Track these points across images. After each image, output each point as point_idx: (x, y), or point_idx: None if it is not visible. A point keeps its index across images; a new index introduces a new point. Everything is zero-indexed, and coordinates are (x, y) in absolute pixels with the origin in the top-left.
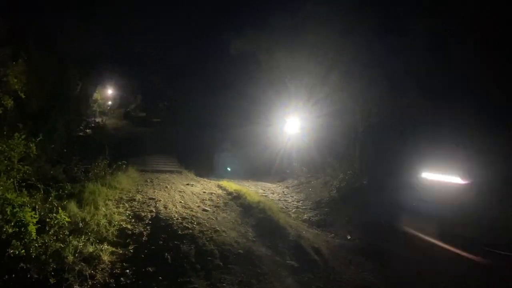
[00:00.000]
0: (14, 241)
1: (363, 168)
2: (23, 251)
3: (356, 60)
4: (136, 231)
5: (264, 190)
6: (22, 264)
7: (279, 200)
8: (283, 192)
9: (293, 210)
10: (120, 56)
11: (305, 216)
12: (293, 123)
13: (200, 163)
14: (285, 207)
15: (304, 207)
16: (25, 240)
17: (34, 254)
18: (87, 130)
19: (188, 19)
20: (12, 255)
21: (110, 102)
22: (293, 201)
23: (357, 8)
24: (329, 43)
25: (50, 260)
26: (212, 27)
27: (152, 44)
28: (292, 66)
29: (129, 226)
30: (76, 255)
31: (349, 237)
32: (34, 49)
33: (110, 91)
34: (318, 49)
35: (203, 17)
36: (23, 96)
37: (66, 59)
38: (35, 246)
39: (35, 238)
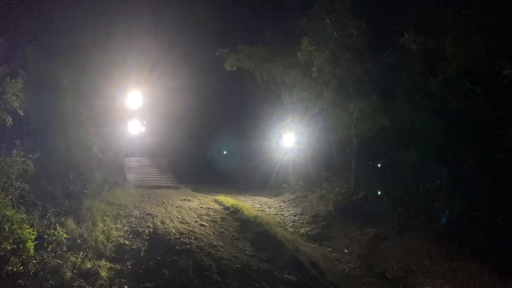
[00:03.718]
0: (12, 257)
1: (359, 181)
2: (22, 267)
3: (350, 76)
4: (134, 247)
5: (260, 205)
6: (20, 281)
7: (276, 214)
8: (280, 206)
9: (290, 224)
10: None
11: (302, 230)
12: (289, 138)
13: (196, 178)
14: (282, 221)
15: (301, 221)
16: (24, 256)
17: (32, 271)
18: None
19: (182, 35)
20: (10, 272)
21: None
22: (290, 215)
23: (350, 25)
24: (323, 59)
25: (49, 277)
26: (206, 43)
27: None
28: (288, 82)
29: (127, 242)
30: (75, 271)
31: (346, 251)
32: (33, 66)
33: None
34: (313, 65)
35: (197, 33)
36: (22, 114)
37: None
38: (34, 262)
39: (33, 254)
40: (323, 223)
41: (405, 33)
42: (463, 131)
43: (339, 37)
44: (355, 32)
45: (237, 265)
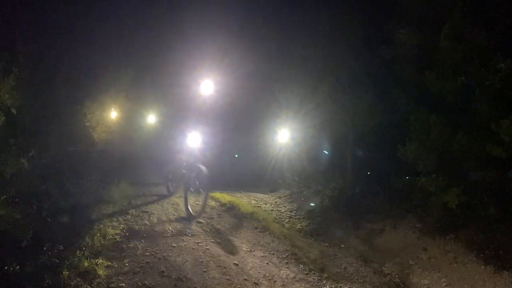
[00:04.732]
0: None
1: (355, 176)
2: (18, 267)
3: (344, 71)
4: (131, 245)
5: (256, 201)
6: (17, 281)
7: (272, 210)
8: (276, 202)
9: (287, 220)
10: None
11: (299, 226)
12: (284, 134)
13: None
14: (278, 217)
15: (297, 217)
16: (19, 256)
17: (29, 270)
18: None
19: (176, 30)
20: (7, 272)
21: None
22: (286, 211)
23: (344, 19)
24: (318, 54)
25: (45, 276)
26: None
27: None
28: (282, 78)
29: (123, 240)
30: (71, 270)
31: (342, 246)
32: (25, 63)
33: None
34: (307, 60)
35: (189, 28)
36: (15, 112)
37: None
38: (30, 262)
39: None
40: (319, 218)
41: (400, 27)
42: (459, 125)
43: (333, 31)
44: (349, 26)
45: (234, 262)
